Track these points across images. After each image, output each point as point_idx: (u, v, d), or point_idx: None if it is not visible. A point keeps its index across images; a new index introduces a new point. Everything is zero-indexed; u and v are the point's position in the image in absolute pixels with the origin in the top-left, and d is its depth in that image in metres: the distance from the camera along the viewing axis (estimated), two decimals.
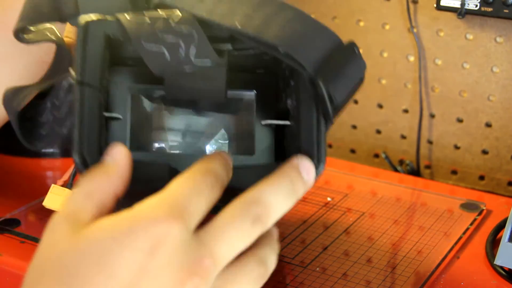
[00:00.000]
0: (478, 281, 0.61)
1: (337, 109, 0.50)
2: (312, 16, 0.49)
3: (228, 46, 0.52)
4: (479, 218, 0.71)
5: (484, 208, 0.72)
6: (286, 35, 0.47)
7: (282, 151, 0.56)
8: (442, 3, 0.77)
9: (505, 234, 0.61)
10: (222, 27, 0.49)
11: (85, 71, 0.48)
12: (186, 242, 0.39)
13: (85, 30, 0.49)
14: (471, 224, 0.69)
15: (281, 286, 0.59)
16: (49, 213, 0.64)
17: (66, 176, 0.62)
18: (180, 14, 0.50)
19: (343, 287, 0.58)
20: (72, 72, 0.48)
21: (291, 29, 0.47)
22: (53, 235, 0.41)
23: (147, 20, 0.50)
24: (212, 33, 0.50)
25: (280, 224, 0.68)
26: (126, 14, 0.51)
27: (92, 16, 0.50)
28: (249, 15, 0.48)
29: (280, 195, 0.43)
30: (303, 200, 0.73)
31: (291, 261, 0.62)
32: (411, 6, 0.81)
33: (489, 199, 0.75)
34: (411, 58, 0.84)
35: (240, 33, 0.48)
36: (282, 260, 0.62)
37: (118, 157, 0.44)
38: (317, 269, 0.61)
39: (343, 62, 0.49)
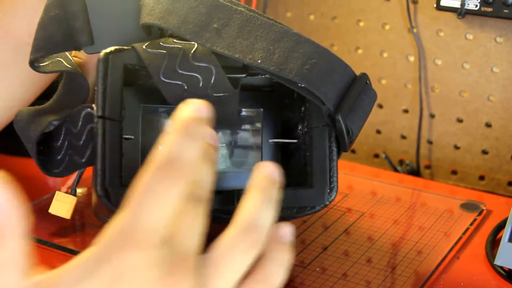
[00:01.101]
0: (478, 281, 0.61)
1: (353, 140, 0.51)
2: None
3: (242, 75, 0.52)
4: (479, 218, 0.70)
5: (484, 208, 0.72)
6: (305, 71, 0.48)
7: (287, 167, 0.56)
8: (442, 3, 0.77)
9: (505, 234, 0.61)
10: (242, 62, 0.49)
11: (106, 105, 0.48)
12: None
13: (105, 63, 0.48)
14: (471, 224, 0.69)
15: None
16: (48, 214, 0.64)
17: (70, 182, 0.62)
18: (196, 45, 0.50)
19: (343, 287, 0.58)
20: (94, 107, 0.48)
21: (310, 65, 0.48)
22: None
23: (164, 52, 0.50)
24: (227, 63, 0.50)
25: None
26: (142, 44, 0.50)
27: (111, 48, 0.49)
28: (269, 50, 0.48)
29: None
30: None
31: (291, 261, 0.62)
32: (411, 6, 0.81)
33: (489, 199, 0.75)
34: (411, 58, 0.84)
35: (261, 68, 0.48)
36: None
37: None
38: (317, 269, 0.61)
39: (358, 96, 0.50)
